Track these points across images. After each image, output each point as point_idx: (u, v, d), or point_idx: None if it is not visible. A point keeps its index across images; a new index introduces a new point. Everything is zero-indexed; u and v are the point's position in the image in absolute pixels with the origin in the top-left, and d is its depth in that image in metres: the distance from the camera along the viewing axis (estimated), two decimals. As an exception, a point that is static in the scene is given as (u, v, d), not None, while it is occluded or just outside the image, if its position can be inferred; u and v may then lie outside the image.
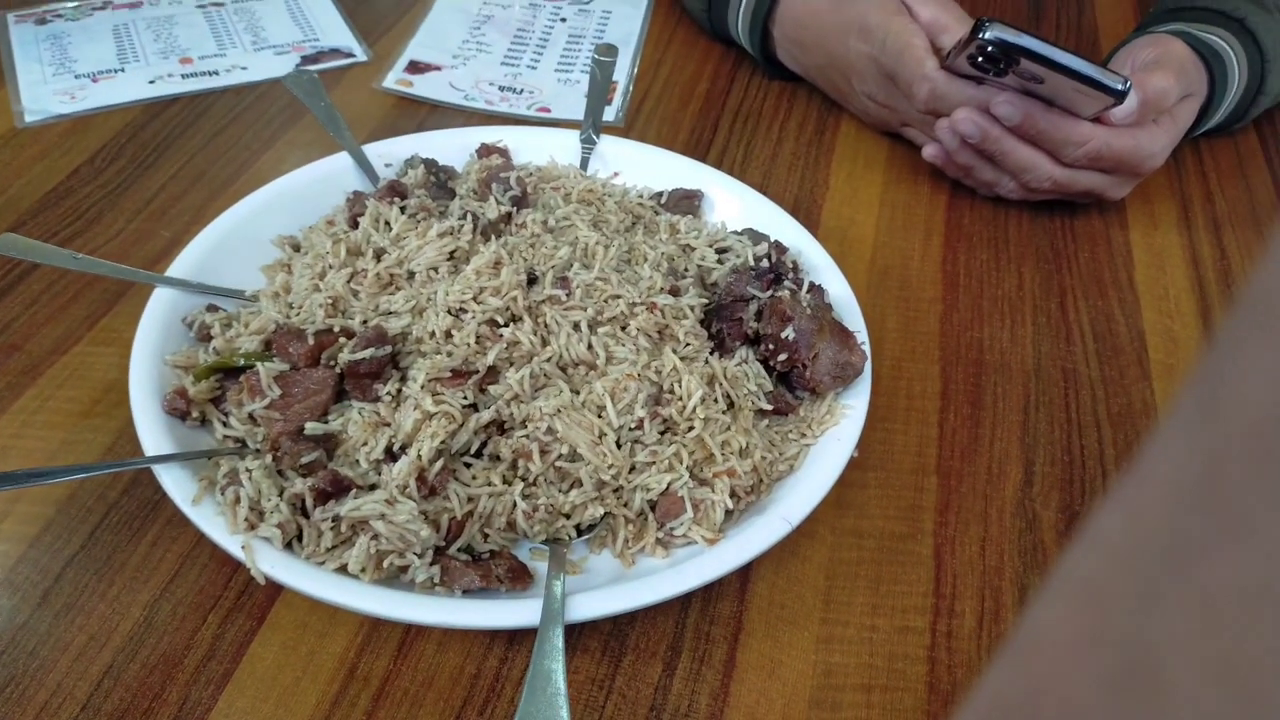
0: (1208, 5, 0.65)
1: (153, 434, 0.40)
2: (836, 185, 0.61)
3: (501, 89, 0.66)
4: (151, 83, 0.65)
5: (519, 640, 0.38)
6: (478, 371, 0.41)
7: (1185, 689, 0.14)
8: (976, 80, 0.54)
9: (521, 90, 0.66)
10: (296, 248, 0.50)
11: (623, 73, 0.69)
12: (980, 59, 0.52)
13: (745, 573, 0.41)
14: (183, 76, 0.66)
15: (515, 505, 0.39)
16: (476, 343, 0.42)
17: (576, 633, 0.38)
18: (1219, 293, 0.56)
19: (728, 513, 0.40)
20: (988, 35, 0.50)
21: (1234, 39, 0.62)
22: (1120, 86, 0.50)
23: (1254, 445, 0.14)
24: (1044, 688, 0.17)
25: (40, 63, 0.66)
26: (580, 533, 0.40)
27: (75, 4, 0.72)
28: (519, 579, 0.38)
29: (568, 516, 0.40)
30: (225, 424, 0.41)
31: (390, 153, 0.55)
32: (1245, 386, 0.14)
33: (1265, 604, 0.13)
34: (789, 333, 0.43)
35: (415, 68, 0.67)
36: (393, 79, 0.66)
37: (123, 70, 0.66)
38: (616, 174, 0.56)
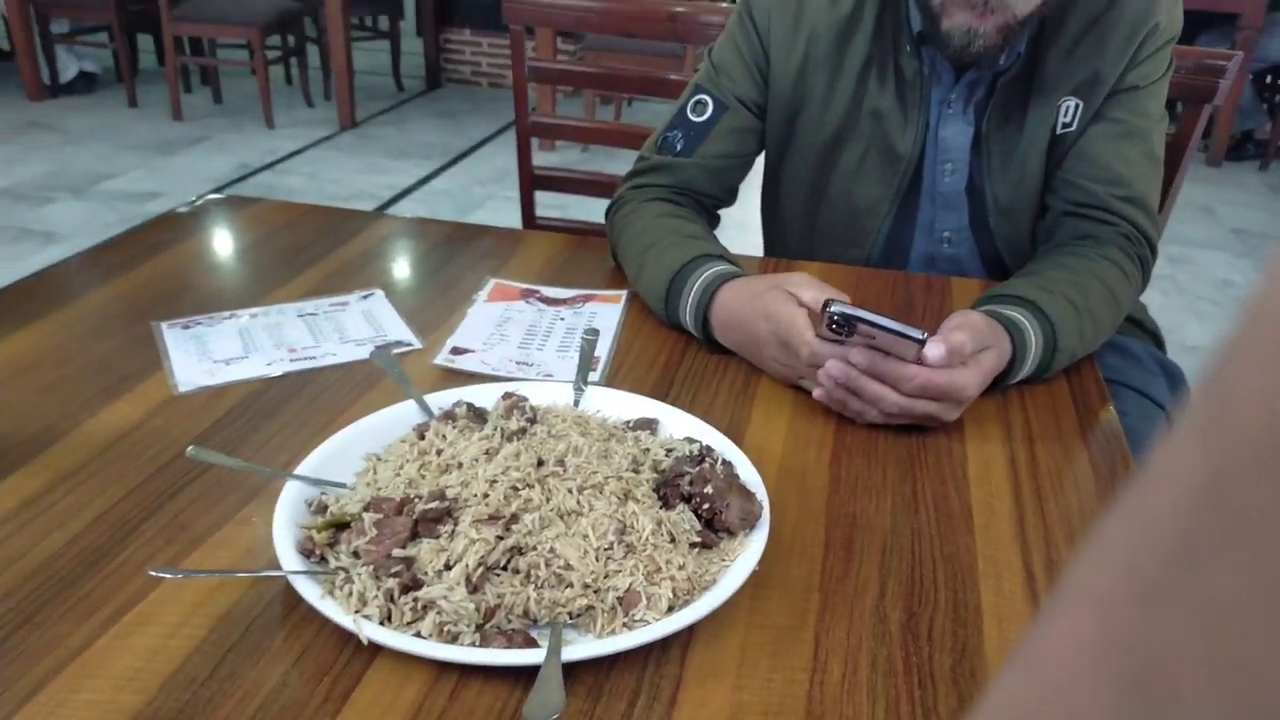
0: (1010, 293, 0.93)
1: (291, 562, 0.61)
2: (757, 419, 0.86)
3: (518, 364, 0.92)
4: (268, 364, 0.91)
5: (531, 685, 0.57)
6: (505, 516, 0.62)
7: (1193, 694, 0.14)
8: (838, 342, 0.81)
9: (532, 364, 0.93)
10: (380, 460, 0.73)
11: (605, 350, 0.95)
12: (834, 327, 0.79)
13: (685, 644, 0.60)
14: (290, 360, 0.92)
15: (529, 599, 0.59)
16: (504, 500, 0.64)
17: (566, 679, 0.57)
18: (1028, 482, 0.78)
19: (670, 606, 0.60)
20: (832, 309, 0.77)
21: (1029, 314, 0.89)
22: (919, 335, 0.76)
23: (1260, 454, 0.14)
24: (1053, 695, 0.17)
25: (187, 353, 0.93)
26: (571, 618, 0.60)
27: (210, 316, 1.00)
28: (530, 645, 0.58)
29: (563, 607, 0.60)
30: (337, 558, 0.62)
31: (444, 400, 0.80)
32: (1251, 397, 0.14)
33: (1272, 609, 0.13)
34: (709, 489, 0.65)
35: (456, 351, 0.94)
36: (441, 358, 0.93)
37: (246, 357, 0.93)
38: (599, 410, 0.81)
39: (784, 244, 1.24)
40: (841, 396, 0.82)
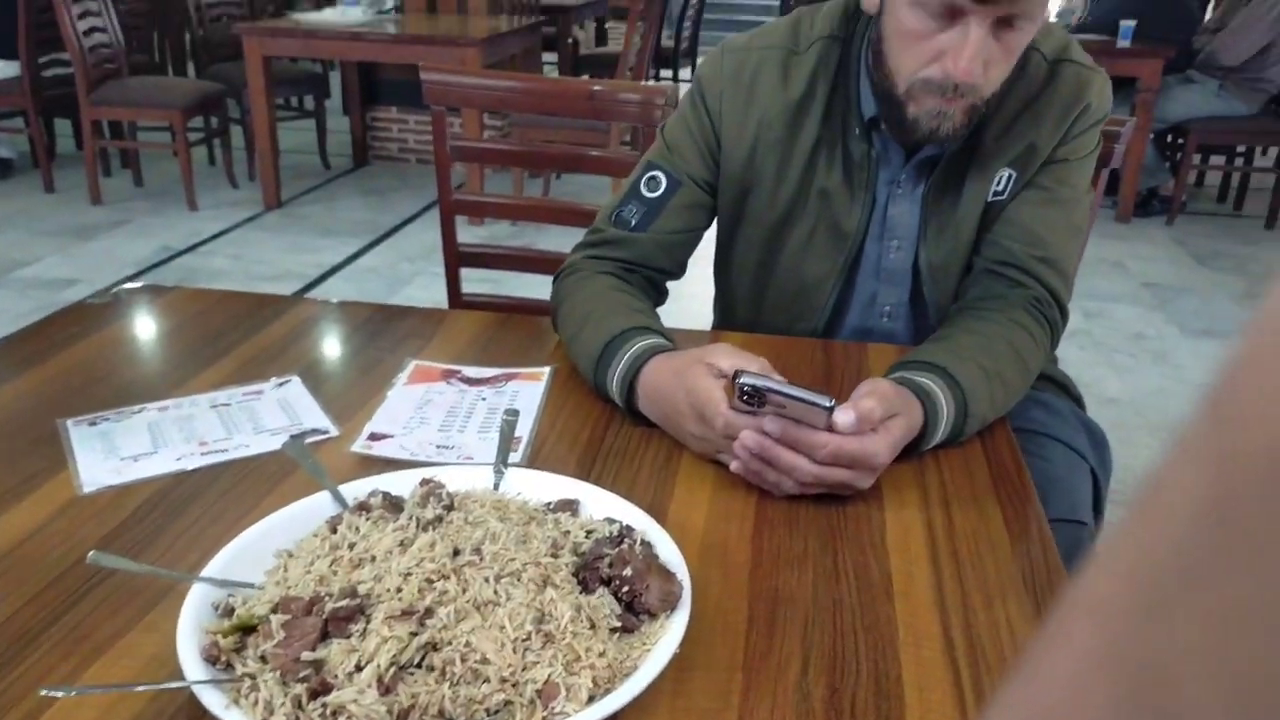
0: (920, 360, 0.95)
1: (195, 671, 0.59)
2: (679, 495, 0.85)
3: (438, 447, 0.91)
4: (178, 460, 0.89)
5: (448, 790, 0.55)
6: (419, 611, 0.61)
7: (1196, 708, 0.14)
8: (750, 413, 0.81)
9: (453, 447, 0.92)
10: (291, 556, 0.71)
11: (527, 429, 0.95)
12: (745, 398, 0.79)
13: (605, 735, 0.59)
14: (201, 454, 0.90)
15: (444, 697, 0.58)
16: (418, 593, 0.62)
17: (488, 781, 0.55)
18: (945, 546, 0.79)
19: (591, 696, 0.59)
20: (741, 380, 0.78)
21: (940, 380, 0.91)
22: (827, 403, 0.77)
23: (1265, 469, 0.14)
24: (1056, 707, 0.17)
25: (93, 451, 0.90)
26: (489, 715, 0.58)
27: (118, 411, 0.97)
28: (448, 745, 0.56)
29: (480, 704, 0.58)
30: (244, 664, 0.60)
31: (359, 490, 0.78)
32: (1256, 413, 0.14)
33: (1277, 623, 0.13)
34: (628, 571, 0.65)
35: (374, 437, 0.93)
36: (358, 445, 0.91)
37: (155, 453, 0.90)
38: (519, 493, 0.80)
39: (734, 316, 1.25)
40: (757, 468, 0.83)
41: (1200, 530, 0.15)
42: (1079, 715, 0.16)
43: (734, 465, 0.84)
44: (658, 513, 0.82)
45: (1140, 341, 3.23)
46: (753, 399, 0.80)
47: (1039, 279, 1.08)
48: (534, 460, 0.90)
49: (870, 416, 0.81)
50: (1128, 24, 4.10)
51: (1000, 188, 1.10)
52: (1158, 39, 4.16)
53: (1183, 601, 0.15)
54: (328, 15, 4.30)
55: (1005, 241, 1.10)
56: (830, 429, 0.79)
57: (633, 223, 1.13)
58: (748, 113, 1.12)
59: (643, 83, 4.10)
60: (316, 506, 0.76)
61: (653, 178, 1.14)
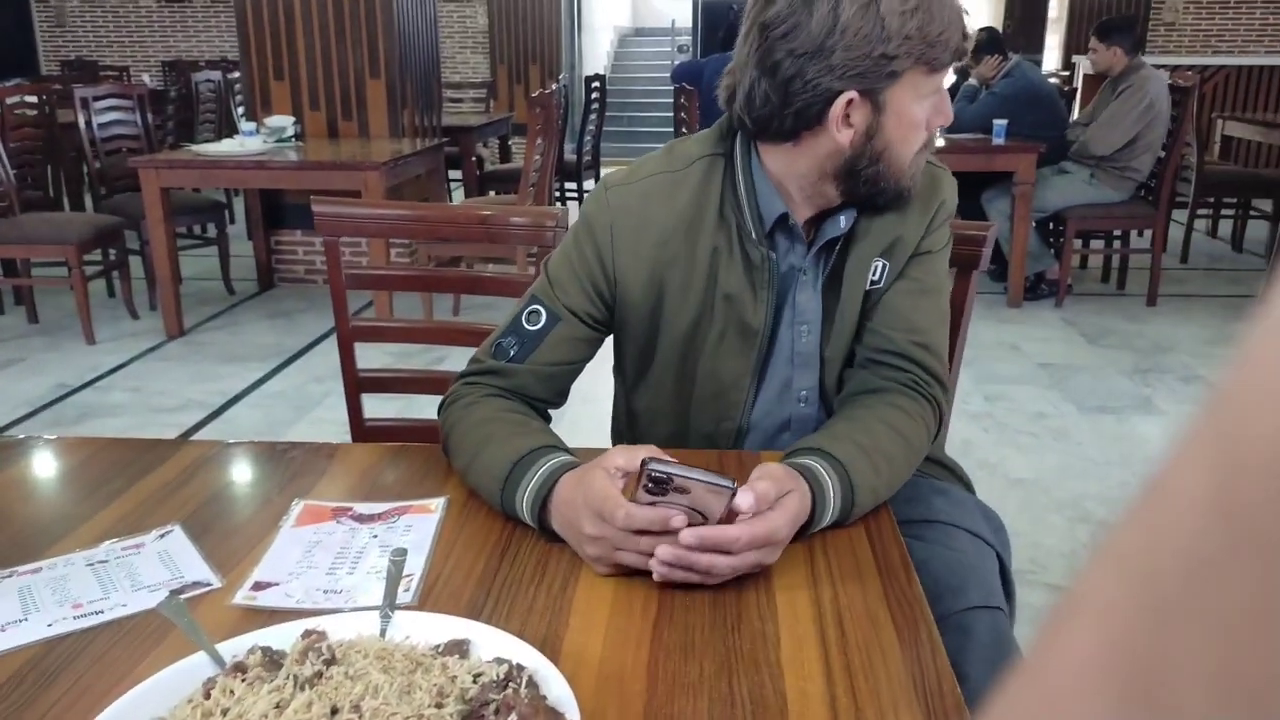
0: (800, 447, 1.00)
1: None
2: (575, 624, 0.84)
3: (325, 592, 0.89)
4: (50, 625, 0.85)
5: None
6: (294, 778, 0.59)
7: (1196, 708, 0.14)
8: (653, 502, 0.85)
9: (341, 590, 0.89)
10: (163, 725, 0.68)
11: (419, 565, 0.93)
12: (650, 486, 0.84)
13: None
14: (75, 618, 0.86)
15: None
16: (294, 759, 0.60)
17: None
18: (839, 663, 0.80)
19: None
20: (650, 467, 0.83)
21: (819, 458, 0.96)
22: (729, 485, 0.83)
23: (1269, 468, 0.14)
24: (1055, 708, 0.17)
25: (-43, 623, 0.85)
26: None
27: (-13, 576, 0.93)
28: None
29: None
30: None
31: (238, 647, 0.75)
32: (1259, 411, 0.14)
33: (1277, 625, 0.13)
34: (513, 718, 0.63)
35: (259, 586, 0.90)
36: (240, 596, 0.88)
37: (25, 619, 0.86)
38: (408, 637, 0.78)
39: (654, 430, 1.26)
40: (680, 577, 0.86)
41: (1202, 530, 0.15)
42: (1079, 716, 0.16)
43: (657, 573, 0.87)
44: (552, 644, 0.80)
45: (1041, 420, 3.34)
46: (658, 487, 0.84)
47: (918, 362, 1.15)
48: (425, 598, 0.88)
49: (766, 496, 0.86)
50: (1000, 123, 4.37)
51: (876, 277, 1.16)
52: (1030, 135, 4.43)
53: (1184, 601, 0.15)
54: (226, 146, 4.31)
55: (885, 330, 1.16)
56: (730, 512, 0.84)
57: (511, 353, 1.15)
58: (642, 237, 1.15)
59: (531, 205, 4.19)
60: (193, 668, 0.73)
61: (534, 311, 1.16)
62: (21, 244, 4.06)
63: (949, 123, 1.13)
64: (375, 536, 0.99)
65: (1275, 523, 0.14)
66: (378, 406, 1.75)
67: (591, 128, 6.18)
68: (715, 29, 6.12)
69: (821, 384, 1.21)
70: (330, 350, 4.04)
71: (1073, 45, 8.38)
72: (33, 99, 4.82)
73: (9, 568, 0.94)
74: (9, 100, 4.52)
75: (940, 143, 4.61)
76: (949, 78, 1.09)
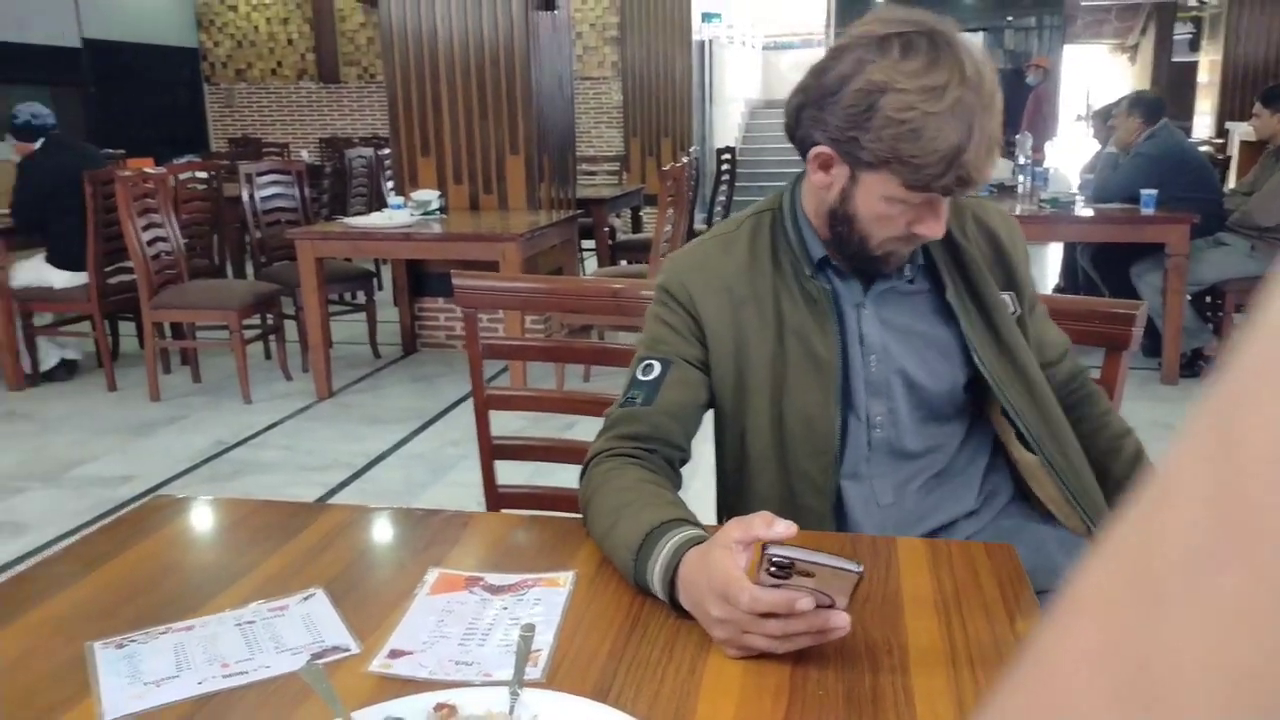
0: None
1: None
2: (703, 709, 0.83)
3: (457, 664, 0.90)
4: (200, 683, 0.89)
5: None
6: None
7: (1194, 703, 0.14)
8: (777, 585, 0.84)
9: (472, 662, 0.90)
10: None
11: (547, 641, 0.93)
12: (773, 570, 0.83)
13: None
14: (223, 676, 0.90)
15: None
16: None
17: None
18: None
19: None
20: (770, 552, 0.83)
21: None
22: (856, 569, 0.83)
23: (1268, 465, 0.14)
24: (1055, 702, 0.17)
25: (118, 675, 0.90)
26: None
27: (145, 632, 0.98)
28: None
29: None
30: None
31: (372, 716, 0.77)
32: (1259, 410, 0.14)
33: (1276, 621, 0.13)
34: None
35: (395, 654, 0.92)
36: (377, 664, 0.90)
37: (178, 676, 0.90)
38: (536, 717, 0.78)
39: (760, 483, 1.27)
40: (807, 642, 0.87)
41: (1201, 526, 0.15)
42: (1079, 709, 0.16)
43: (764, 644, 0.87)
44: (679, 731, 0.79)
45: (1198, 506, 3.13)
46: (781, 571, 0.83)
47: (1079, 368, 1.36)
48: (553, 675, 0.88)
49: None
50: (1150, 193, 4.18)
51: (1014, 309, 1.26)
52: (1180, 203, 4.22)
53: (1182, 596, 0.15)
54: (376, 218, 4.55)
55: (1051, 352, 1.31)
56: (855, 592, 0.85)
57: (637, 401, 1.22)
58: (711, 285, 1.25)
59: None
60: (329, 736, 0.75)
61: (647, 365, 1.25)
62: (188, 309, 4.36)
63: (936, 236, 1.15)
64: (505, 608, 1.00)
65: (1273, 519, 0.14)
66: (510, 471, 1.78)
67: (721, 198, 6.25)
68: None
69: (911, 405, 1.25)
70: (467, 414, 4.15)
71: (1226, 111, 8.01)
72: (203, 174, 5.22)
73: (165, 624, 0.99)
74: (182, 175, 4.91)
75: (1087, 213, 4.46)
76: (944, 204, 1.14)
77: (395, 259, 5.10)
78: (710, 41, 10.58)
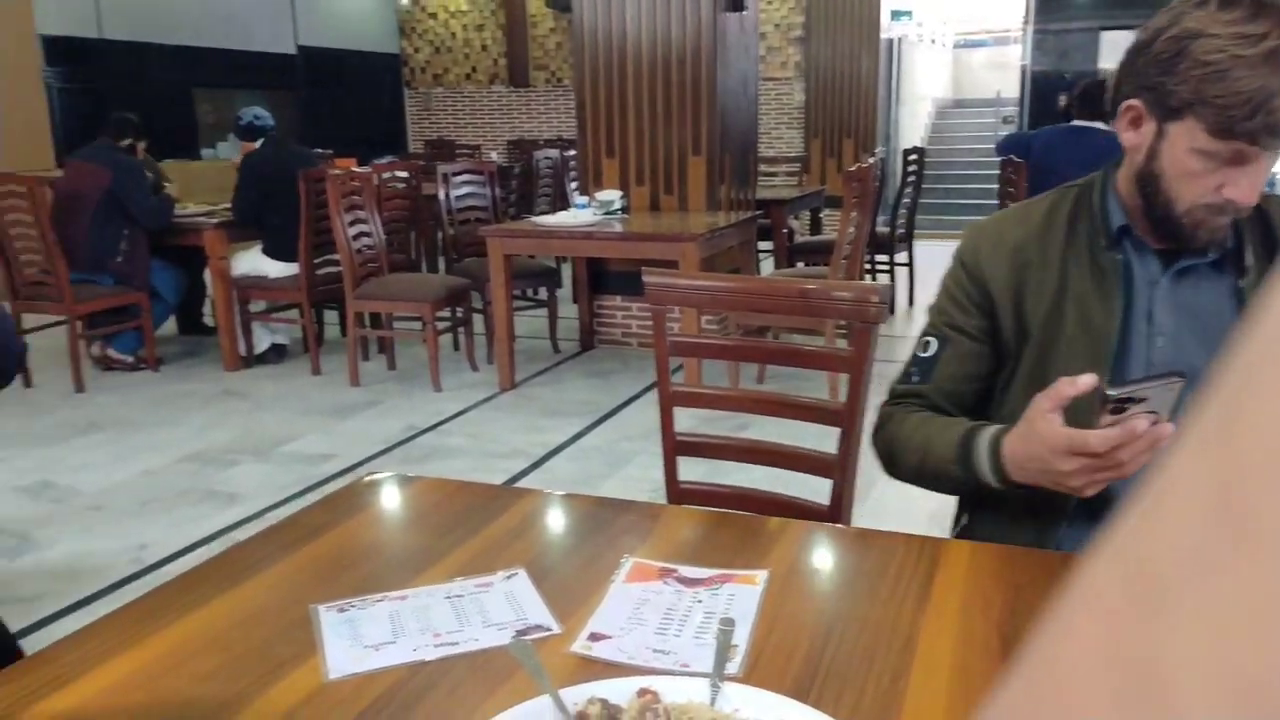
0: None
1: None
2: (905, 720, 0.81)
3: (655, 651, 0.92)
4: (414, 650, 0.94)
5: None
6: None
7: (1194, 704, 0.14)
8: (1116, 421, 0.94)
9: (669, 652, 0.92)
10: (511, 760, 0.72)
11: (743, 638, 0.93)
12: (1113, 408, 0.93)
13: None
14: (435, 646, 0.94)
15: None
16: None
17: None
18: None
19: None
20: (1108, 393, 0.94)
21: None
22: (1176, 378, 0.95)
23: (1269, 465, 0.14)
24: (1054, 704, 0.17)
25: (341, 637, 0.96)
26: None
27: (363, 598, 1.04)
28: None
29: None
30: None
31: (578, 696, 0.79)
32: (1261, 407, 0.14)
33: (1275, 620, 0.13)
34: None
35: (594, 637, 0.94)
36: (578, 645, 0.93)
37: (395, 642, 0.95)
38: (737, 710, 0.78)
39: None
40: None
41: (1202, 524, 0.15)
42: (1080, 711, 0.16)
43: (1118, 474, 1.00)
44: (881, 740, 0.77)
45: None
46: (1119, 407, 0.94)
47: None
48: (750, 672, 0.88)
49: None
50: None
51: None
52: None
53: (1184, 596, 0.15)
54: (561, 217, 4.68)
55: None
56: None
57: (914, 379, 1.34)
58: (999, 249, 1.29)
59: (842, 278, 4.16)
60: (539, 712, 0.77)
61: (926, 343, 1.34)
62: (387, 300, 4.62)
63: (1247, 202, 1.11)
64: (700, 601, 1.01)
65: (1275, 520, 0.14)
66: (684, 468, 1.79)
67: (906, 200, 6.08)
68: (1046, 99, 5.84)
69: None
70: (641, 411, 4.22)
71: None
72: (403, 174, 5.52)
73: (381, 592, 1.05)
74: (385, 175, 5.20)
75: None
76: (1262, 165, 1.08)
77: (578, 257, 5.23)
78: (899, 39, 10.31)
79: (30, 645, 2.34)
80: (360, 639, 0.96)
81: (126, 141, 4.95)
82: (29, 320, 4.75)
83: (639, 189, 5.08)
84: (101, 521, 3.17)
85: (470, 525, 1.23)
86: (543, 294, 5.39)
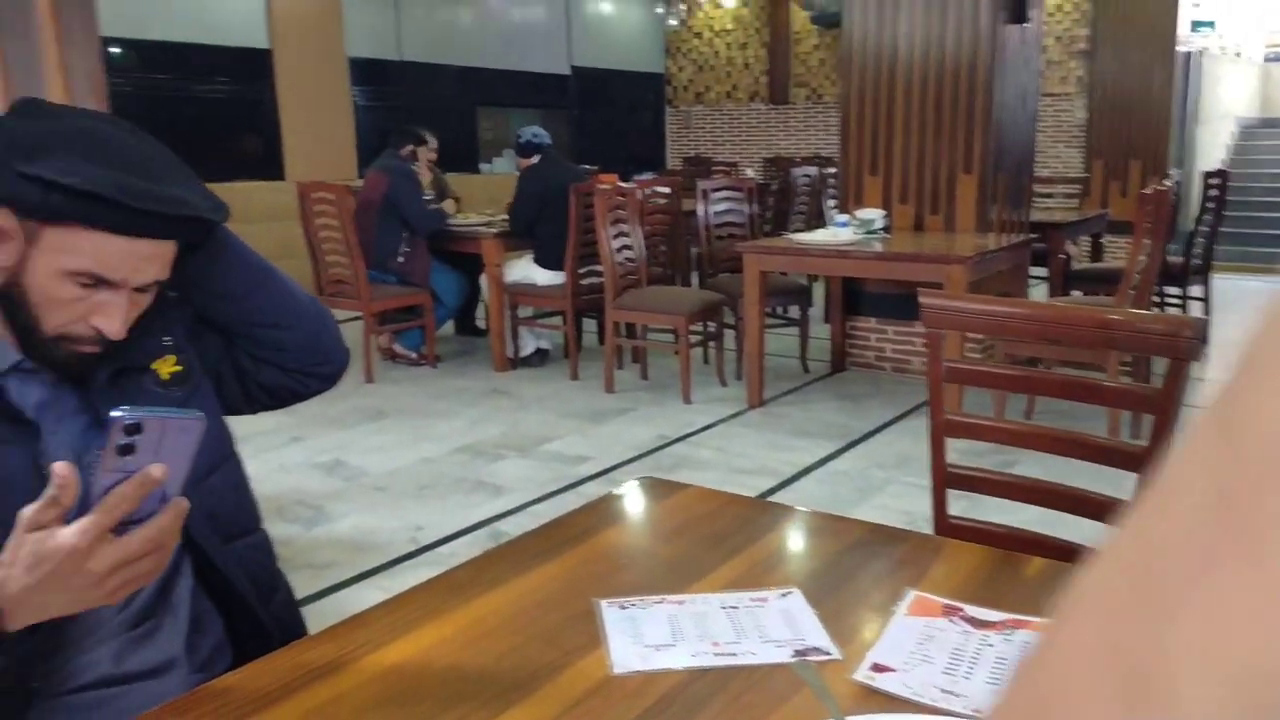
0: None
1: None
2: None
3: (943, 691, 0.88)
4: (693, 656, 0.95)
5: None
6: None
7: (1193, 701, 0.14)
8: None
9: (959, 694, 0.88)
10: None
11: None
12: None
13: None
14: (714, 655, 0.95)
15: None
16: None
17: None
18: None
19: None
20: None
21: None
22: None
23: (1267, 467, 0.14)
24: (1056, 702, 0.17)
25: (623, 633, 0.99)
26: None
27: (642, 598, 1.07)
28: None
29: None
30: None
31: (865, 724, 0.77)
32: (1259, 414, 0.15)
33: (1276, 617, 0.14)
34: None
35: (877, 668, 0.92)
36: (861, 673, 0.91)
37: (674, 645, 0.97)
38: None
39: None
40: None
41: (1202, 526, 0.15)
42: (1081, 708, 0.16)
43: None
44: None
45: None
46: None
47: None
48: None
49: None
50: None
51: None
52: None
53: (1182, 595, 0.15)
54: (819, 235, 4.63)
55: None
56: None
57: None
58: None
59: (1129, 309, 3.84)
60: (825, 734, 0.76)
61: None
62: (644, 311, 4.76)
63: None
64: (990, 645, 0.96)
65: (1273, 520, 0.13)
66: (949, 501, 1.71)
67: (1205, 228, 5.54)
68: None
69: None
70: (895, 438, 4.09)
71: None
72: (665, 190, 5.67)
73: (660, 594, 1.08)
74: (647, 190, 5.37)
75: None
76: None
77: (833, 276, 5.16)
78: (1199, 53, 9.44)
79: (320, 609, 2.60)
80: (641, 637, 0.98)
81: (407, 149, 5.41)
82: (330, 314, 5.28)
83: (902, 208, 4.95)
84: (384, 501, 3.47)
85: (741, 538, 1.23)
86: (794, 312, 5.36)
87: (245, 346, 1.23)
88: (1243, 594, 0.14)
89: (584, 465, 3.81)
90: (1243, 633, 0.14)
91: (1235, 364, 0.16)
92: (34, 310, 0.98)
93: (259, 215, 6.89)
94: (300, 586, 1.69)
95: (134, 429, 0.77)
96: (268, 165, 7.74)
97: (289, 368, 1.25)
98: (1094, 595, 0.17)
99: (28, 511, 0.78)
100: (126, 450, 0.77)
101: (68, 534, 0.77)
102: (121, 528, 0.79)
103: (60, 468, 0.77)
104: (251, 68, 7.72)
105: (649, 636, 0.99)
